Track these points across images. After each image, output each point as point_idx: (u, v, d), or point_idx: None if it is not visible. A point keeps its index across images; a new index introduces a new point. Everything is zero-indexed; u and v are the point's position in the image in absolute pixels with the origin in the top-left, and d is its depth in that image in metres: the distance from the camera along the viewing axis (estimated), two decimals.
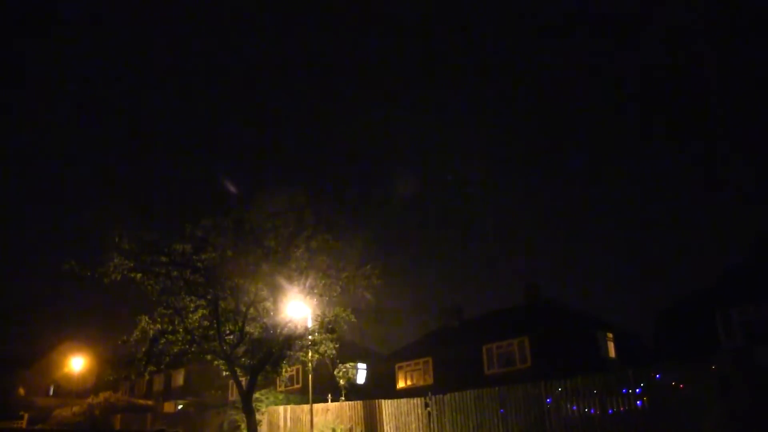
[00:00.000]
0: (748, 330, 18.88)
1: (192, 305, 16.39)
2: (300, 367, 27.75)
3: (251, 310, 16.60)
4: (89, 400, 35.15)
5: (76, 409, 34.15)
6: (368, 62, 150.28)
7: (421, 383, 27.34)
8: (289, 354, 17.43)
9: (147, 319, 15.99)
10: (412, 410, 18.95)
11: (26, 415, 32.89)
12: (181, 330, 16.20)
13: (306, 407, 21.62)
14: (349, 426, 20.53)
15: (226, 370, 17.27)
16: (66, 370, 44.76)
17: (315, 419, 20.80)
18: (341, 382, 22.84)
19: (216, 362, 17.23)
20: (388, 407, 19.82)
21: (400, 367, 29.12)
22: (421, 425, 18.46)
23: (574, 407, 15.32)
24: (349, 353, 25.02)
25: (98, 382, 42.97)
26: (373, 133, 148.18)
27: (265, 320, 16.84)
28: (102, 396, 35.17)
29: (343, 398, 22.48)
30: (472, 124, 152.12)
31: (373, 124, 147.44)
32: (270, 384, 25.96)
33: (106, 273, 15.23)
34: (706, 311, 20.14)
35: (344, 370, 22.67)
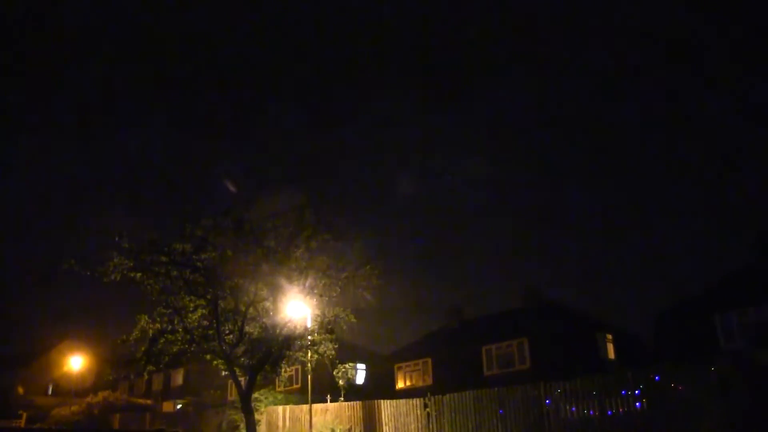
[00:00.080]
0: (748, 332, 18.88)
1: (191, 305, 16.40)
2: (299, 367, 27.73)
3: (251, 309, 16.61)
4: (88, 399, 35.15)
5: (74, 408, 34.14)
6: (368, 61, 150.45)
7: (421, 384, 27.34)
8: (288, 354, 17.43)
9: (146, 319, 16.00)
10: (411, 411, 18.96)
11: (25, 414, 32.88)
12: (180, 329, 16.22)
13: (305, 407, 21.61)
14: (348, 426, 20.53)
15: (225, 370, 17.28)
16: (65, 369, 44.70)
17: (314, 419, 20.80)
18: (340, 382, 22.83)
19: (215, 362, 17.23)
20: (387, 408, 19.83)
21: (400, 368, 29.12)
22: (420, 426, 18.46)
23: (573, 409, 15.33)
24: (349, 353, 25.03)
25: (97, 382, 42.92)
26: (373, 132, 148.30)
27: (264, 320, 16.84)
28: (101, 395, 35.17)
29: (342, 398, 22.47)
30: (473, 123, 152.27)
31: (373, 124, 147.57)
32: (269, 384, 25.93)
33: (105, 272, 15.25)
34: (705, 313, 20.14)
35: (343, 370, 22.66)
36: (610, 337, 25.74)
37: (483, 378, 24.38)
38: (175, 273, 16.00)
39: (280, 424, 23.83)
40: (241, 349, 17.11)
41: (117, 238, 15.36)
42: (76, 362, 40.50)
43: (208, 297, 16.27)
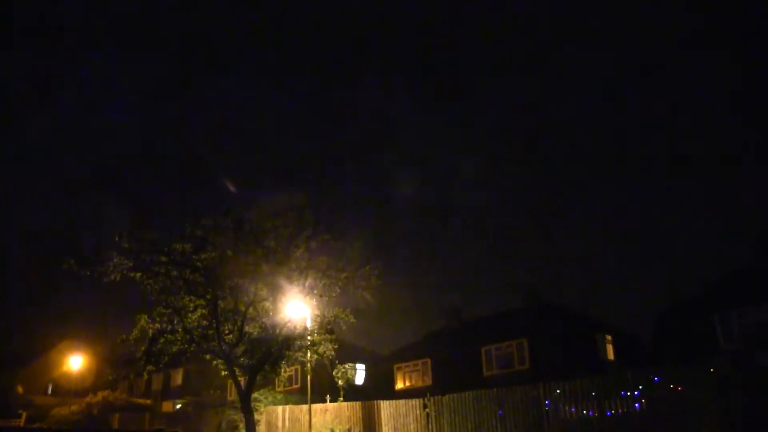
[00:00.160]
0: (747, 332, 18.89)
1: (191, 305, 16.40)
2: (299, 367, 27.73)
3: (250, 309, 16.61)
4: (88, 399, 35.10)
5: (74, 407, 34.09)
6: (368, 61, 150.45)
7: (420, 384, 27.34)
8: (288, 354, 17.43)
9: (146, 319, 15.98)
10: (410, 411, 18.97)
11: (24, 414, 32.90)
12: (180, 329, 16.20)
13: (305, 407, 21.63)
14: (347, 426, 20.54)
15: (224, 370, 17.27)
16: (65, 368, 44.74)
17: (313, 419, 20.81)
18: (340, 382, 22.84)
19: (215, 362, 17.24)
20: (386, 408, 19.84)
21: (399, 368, 29.12)
22: (419, 426, 18.48)
23: (573, 409, 15.34)
24: (348, 354, 25.05)
25: (97, 381, 42.92)
26: (373, 132, 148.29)
27: (264, 320, 16.84)
28: (100, 395, 35.13)
29: (341, 399, 22.48)
30: (473, 124, 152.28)
31: (373, 124, 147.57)
32: (269, 384, 25.95)
33: (105, 272, 15.23)
34: (705, 313, 20.15)
35: (343, 370, 22.67)
36: (609, 337, 25.75)
37: (482, 378, 24.39)
38: (174, 273, 15.99)
39: (280, 424, 23.84)
40: (240, 349, 17.09)
41: (117, 238, 15.36)
42: (75, 362, 40.54)
43: (208, 297, 16.26)
